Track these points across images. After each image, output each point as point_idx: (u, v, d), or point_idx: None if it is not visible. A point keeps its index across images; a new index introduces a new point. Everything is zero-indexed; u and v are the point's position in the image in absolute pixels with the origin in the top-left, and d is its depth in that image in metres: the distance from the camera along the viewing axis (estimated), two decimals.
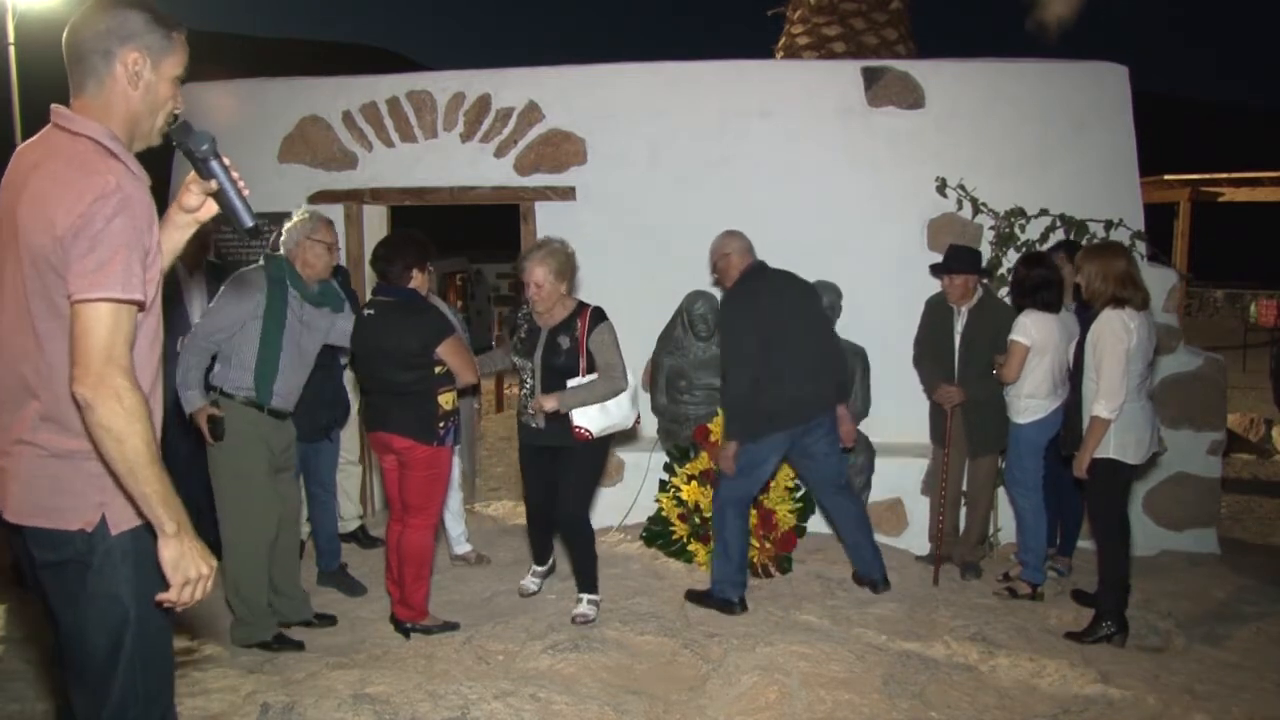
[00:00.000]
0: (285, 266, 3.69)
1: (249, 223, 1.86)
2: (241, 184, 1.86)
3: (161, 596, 1.72)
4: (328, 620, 3.98)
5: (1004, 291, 4.89)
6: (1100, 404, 3.68)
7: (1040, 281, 4.22)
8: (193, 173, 1.87)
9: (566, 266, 3.88)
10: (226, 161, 1.84)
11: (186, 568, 1.70)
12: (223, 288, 3.65)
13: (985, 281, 4.60)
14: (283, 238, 3.75)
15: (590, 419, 3.85)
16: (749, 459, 4.08)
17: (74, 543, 1.75)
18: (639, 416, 4.12)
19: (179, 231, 1.96)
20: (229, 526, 3.66)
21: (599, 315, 3.91)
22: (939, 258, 4.72)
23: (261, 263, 3.72)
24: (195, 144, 1.79)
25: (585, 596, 3.98)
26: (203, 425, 3.55)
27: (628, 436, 4.67)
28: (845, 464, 4.54)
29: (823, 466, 4.26)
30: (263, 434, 3.66)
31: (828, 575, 4.50)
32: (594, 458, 4.03)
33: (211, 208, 1.93)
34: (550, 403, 3.82)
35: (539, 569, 4.40)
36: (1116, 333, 3.66)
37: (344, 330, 3.84)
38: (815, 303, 4.33)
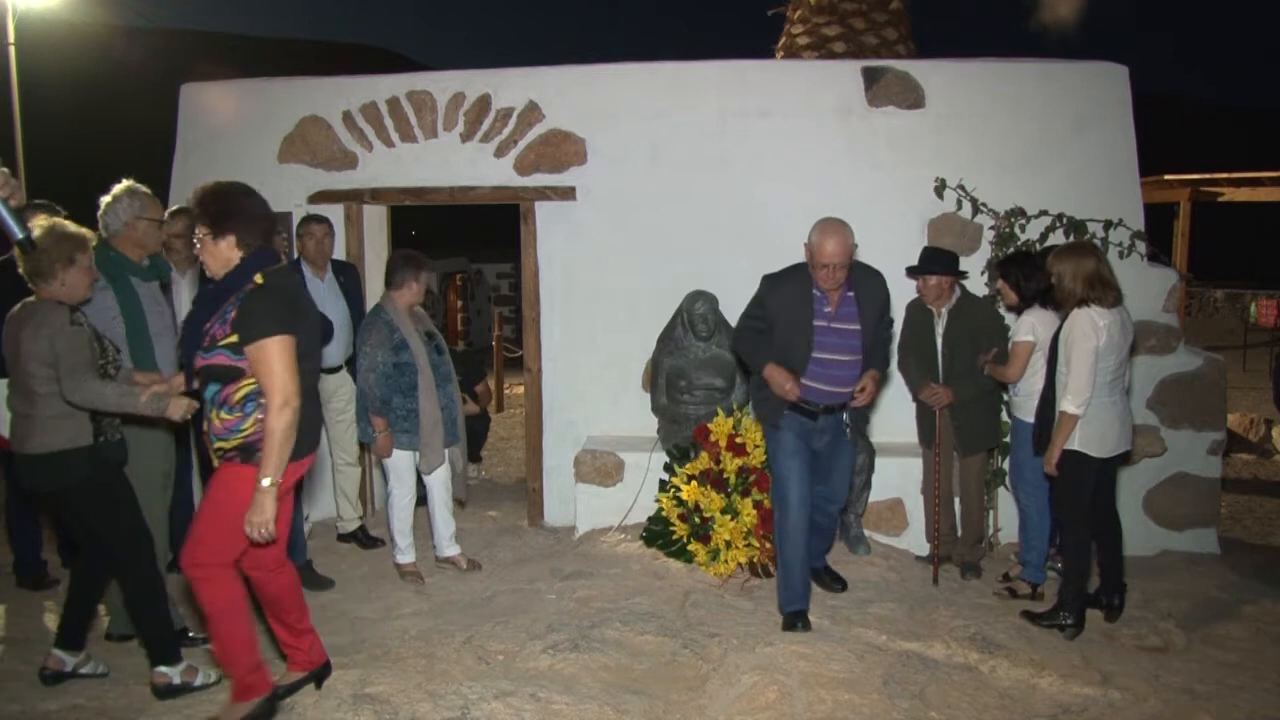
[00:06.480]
0: (109, 253, 3.38)
1: (19, 234, 1.90)
2: (13, 200, 1.88)
3: None
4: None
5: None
6: (1068, 400, 3.75)
7: (1043, 286, 4.25)
8: None
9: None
10: None
11: None
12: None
13: (963, 282, 4.61)
14: (105, 219, 3.45)
15: None
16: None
17: None
18: None
19: None
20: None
21: None
22: None
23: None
24: None
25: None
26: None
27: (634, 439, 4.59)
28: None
29: None
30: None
31: None
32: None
33: None
34: None
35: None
36: (1085, 331, 3.72)
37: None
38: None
